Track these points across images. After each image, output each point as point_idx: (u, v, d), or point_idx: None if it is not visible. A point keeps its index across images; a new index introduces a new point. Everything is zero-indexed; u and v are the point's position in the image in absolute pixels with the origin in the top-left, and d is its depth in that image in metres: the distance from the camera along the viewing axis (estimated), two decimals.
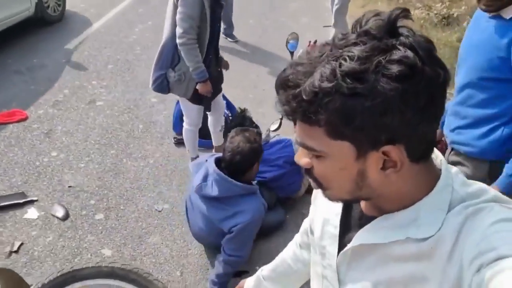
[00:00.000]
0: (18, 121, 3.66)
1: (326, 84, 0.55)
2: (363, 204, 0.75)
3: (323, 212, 0.81)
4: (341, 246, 0.75)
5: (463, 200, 0.64)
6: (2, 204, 2.75)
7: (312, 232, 0.86)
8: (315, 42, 3.66)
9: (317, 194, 0.87)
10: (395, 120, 0.56)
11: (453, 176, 0.67)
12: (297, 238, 1.12)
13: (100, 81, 4.44)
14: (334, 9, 5.17)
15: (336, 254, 0.75)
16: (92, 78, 4.48)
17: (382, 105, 0.55)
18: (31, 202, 2.82)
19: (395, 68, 0.54)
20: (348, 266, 0.73)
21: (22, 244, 2.51)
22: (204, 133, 3.26)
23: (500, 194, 0.65)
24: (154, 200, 2.94)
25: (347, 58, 0.55)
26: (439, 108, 0.60)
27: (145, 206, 2.87)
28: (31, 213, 2.73)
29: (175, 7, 2.59)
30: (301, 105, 0.57)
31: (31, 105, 3.92)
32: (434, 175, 0.66)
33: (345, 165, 0.62)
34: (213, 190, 2.09)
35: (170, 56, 2.70)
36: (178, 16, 2.54)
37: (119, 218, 2.76)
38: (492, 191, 0.65)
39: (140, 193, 2.98)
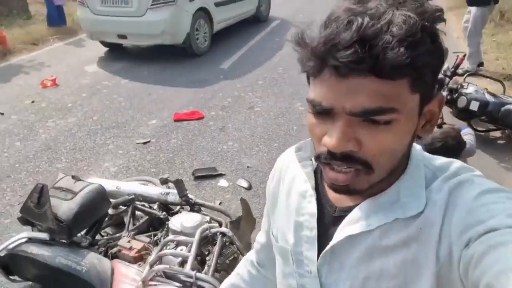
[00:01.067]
0: (197, 119, 4.52)
1: (416, 28, 0.51)
2: (334, 196, 0.70)
3: (292, 216, 0.74)
4: (319, 248, 0.69)
5: (435, 175, 0.63)
6: (201, 174, 3.50)
7: (277, 241, 0.79)
8: (464, 55, 4.03)
9: (274, 202, 0.83)
10: (440, 64, 0.58)
11: (419, 151, 0.66)
12: (252, 256, 1.02)
13: (254, 93, 5.22)
14: (466, 34, 5.43)
15: (316, 258, 0.69)
16: (247, 91, 5.28)
17: (442, 48, 0.56)
18: (221, 175, 3.53)
19: (437, 14, 0.55)
20: (330, 268, 0.68)
21: (220, 202, 3.19)
22: None
23: (464, 164, 0.65)
24: None
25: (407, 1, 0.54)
26: None
27: None
28: (222, 183, 3.43)
29: None
30: (389, 55, 0.50)
31: (204, 108, 4.78)
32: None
33: (412, 126, 0.59)
34: None
35: None
36: None
37: None
38: (456, 161, 0.65)
39: None
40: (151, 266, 2.02)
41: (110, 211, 2.55)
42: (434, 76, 0.57)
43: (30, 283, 2.45)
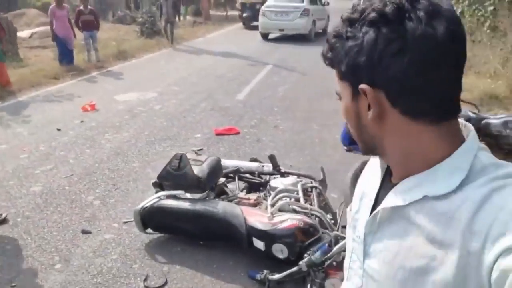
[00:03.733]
0: (235, 134, 5.39)
1: (335, 30, 0.67)
2: (394, 174, 0.74)
3: (362, 187, 0.83)
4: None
5: (485, 167, 0.63)
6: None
7: (350, 208, 0.85)
8: None
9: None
10: (365, 61, 0.62)
11: (479, 148, 0.66)
12: None
13: (274, 116, 6.18)
14: None
15: (365, 223, 0.75)
16: (268, 115, 6.23)
17: (358, 45, 0.63)
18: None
19: (370, 15, 0.61)
20: (374, 236, 0.72)
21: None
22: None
23: None
24: None
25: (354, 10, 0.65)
26: (441, 66, 0.60)
27: None
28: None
29: None
30: (325, 51, 0.69)
31: (236, 126, 5.66)
32: (455, 141, 0.65)
33: (347, 106, 0.70)
34: None
35: None
36: None
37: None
38: None
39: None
40: (272, 205, 2.82)
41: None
42: (353, 68, 0.66)
43: (161, 234, 3.14)
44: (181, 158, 3.02)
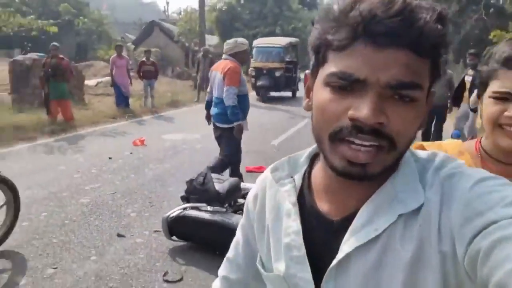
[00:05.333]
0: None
1: (441, 12, 0.55)
2: (327, 209, 0.66)
3: (280, 239, 0.69)
4: (315, 267, 0.64)
5: (424, 167, 0.62)
6: None
7: (266, 270, 0.73)
8: None
9: (262, 229, 0.75)
10: None
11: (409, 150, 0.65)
12: None
13: None
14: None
15: (311, 278, 0.64)
16: None
17: None
18: None
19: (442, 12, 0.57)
20: (336, 284, 0.62)
21: None
22: None
23: (446, 154, 0.65)
24: None
25: None
26: None
27: None
28: None
29: None
30: (429, 32, 0.53)
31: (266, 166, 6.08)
32: None
33: (424, 110, 0.60)
34: None
35: None
36: None
37: None
38: (439, 152, 0.65)
39: None
40: None
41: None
42: (441, 65, 0.59)
43: (184, 242, 3.55)
44: (205, 175, 3.49)
